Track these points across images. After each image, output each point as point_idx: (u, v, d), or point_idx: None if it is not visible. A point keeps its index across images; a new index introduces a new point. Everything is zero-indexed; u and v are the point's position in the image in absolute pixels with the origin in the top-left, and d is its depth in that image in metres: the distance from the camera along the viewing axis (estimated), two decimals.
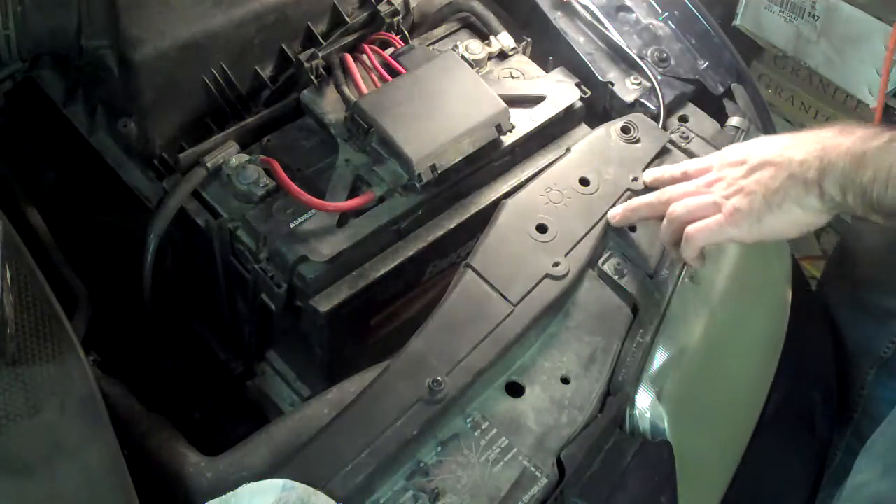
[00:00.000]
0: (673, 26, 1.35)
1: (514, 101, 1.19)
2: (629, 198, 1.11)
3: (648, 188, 1.10)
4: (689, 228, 0.99)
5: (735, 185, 0.97)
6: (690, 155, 1.19)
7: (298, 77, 1.20)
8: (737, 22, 2.05)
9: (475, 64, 1.24)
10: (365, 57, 1.22)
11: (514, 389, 0.96)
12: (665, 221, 1.02)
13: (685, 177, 1.05)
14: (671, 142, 1.19)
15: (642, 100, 1.26)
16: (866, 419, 1.37)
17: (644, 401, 0.99)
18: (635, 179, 1.12)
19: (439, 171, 1.09)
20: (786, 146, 0.95)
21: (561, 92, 1.23)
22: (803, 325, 1.28)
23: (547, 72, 1.28)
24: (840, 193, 0.90)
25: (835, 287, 1.43)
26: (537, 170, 1.15)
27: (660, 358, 1.02)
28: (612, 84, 1.27)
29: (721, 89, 1.31)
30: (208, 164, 1.10)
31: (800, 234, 0.96)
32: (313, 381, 1.22)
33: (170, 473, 0.89)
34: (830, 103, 2.17)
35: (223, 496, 0.82)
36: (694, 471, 1.00)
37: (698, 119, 1.27)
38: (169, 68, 1.11)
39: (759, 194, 0.95)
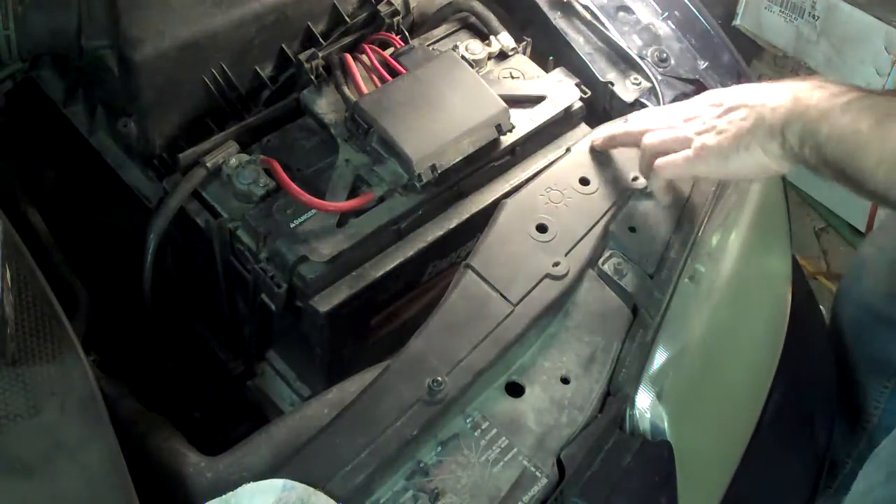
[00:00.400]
0: (673, 26, 1.35)
1: (514, 101, 1.19)
2: (629, 198, 1.11)
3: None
4: (659, 161, 1.04)
5: (708, 124, 1.01)
6: None
7: (298, 77, 1.20)
8: (737, 22, 2.05)
9: (475, 64, 1.24)
10: (365, 57, 1.22)
11: (514, 389, 0.96)
12: (640, 151, 1.08)
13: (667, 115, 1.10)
14: None
15: (642, 100, 1.26)
16: (881, 431, 1.37)
17: (644, 401, 0.99)
18: (635, 179, 1.12)
19: (439, 171, 1.09)
20: (763, 92, 0.98)
21: (561, 92, 1.23)
22: (803, 325, 1.28)
23: (547, 72, 1.28)
24: (798, 144, 0.93)
25: (852, 299, 1.43)
26: (537, 170, 1.15)
27: (660, 358, 1.02)
28: (612, 84, 1.27)
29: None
30: (208, 164, 1.10)
31: (763, 176, 1.03)
32: (313, 381, 1.22)
33: (170, 473, 0.89)
34: None
35: (223, 496, 0.82)
36: (694, 471, 1.00)
37: None
38: (169, 68, 1.11)
39: (729, 133, 0.98)
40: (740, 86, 1.04)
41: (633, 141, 1.10)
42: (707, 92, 1.09)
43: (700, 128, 1.02)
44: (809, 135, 0.92)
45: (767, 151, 0.96)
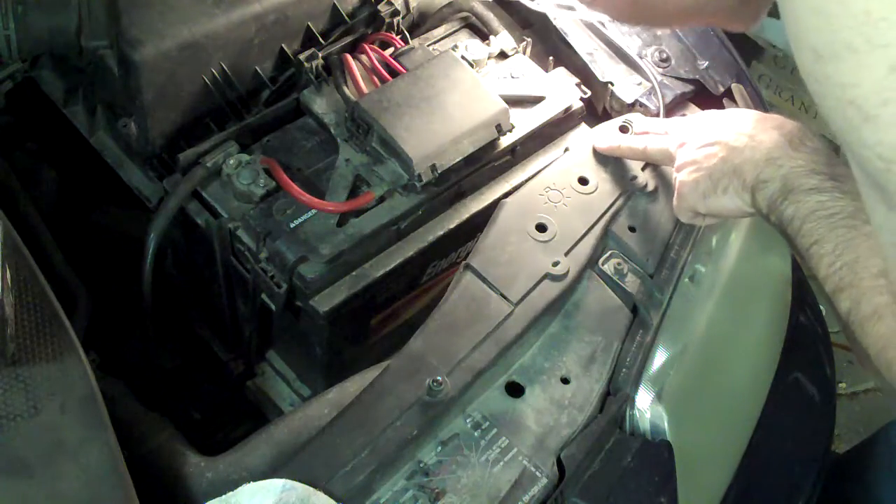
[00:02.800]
0: None
1: (514, 101, 1.19)
2: (629, 198, 1.11)
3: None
4: None
5: (690, 156, 1.03)
6: None
7: (298, 77, 1.20)
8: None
9: (475, 64, 1.24)
10: (365, 57, 1.22)
11: (514, 389, 0.96)
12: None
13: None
14: None
15: (642, 100, 1.26)
16: None
17: (644, 401, 0.99)
18: (634, 178, 1.12)
19: (439, 171, 1.09)
20: (743, 133, 0.98)
21: (561, 92, 1.23)
22: (803, 325, 1.28)
23: (547, 72, 1.28)
24: (766, 210, 0.94)
25: None
26: (537, 170, 1.15)
27: (660, 358, 1.02)
28: (612, 84, 1.27)
29: (721, 89, 1.31)
30: (208, 164, 1.10)
31: (742, 217, 1.03)
32: (313, 381, 1.22)
33: (170, 473, 0.89)
34: None
35: (223, 496, 0.82)
36: (694, 471, 1.00)
37: None
38: (169, 68, 1.11)
39: (706, 174, 1.00)
40: (733, 115, 1.04)
41: (634, 156, 1.13)
42: (705, 113, 1.09)
43: (682, 160, 1.04)
44: (775, 207, 0.92)
45: (742, 200, 0.97)
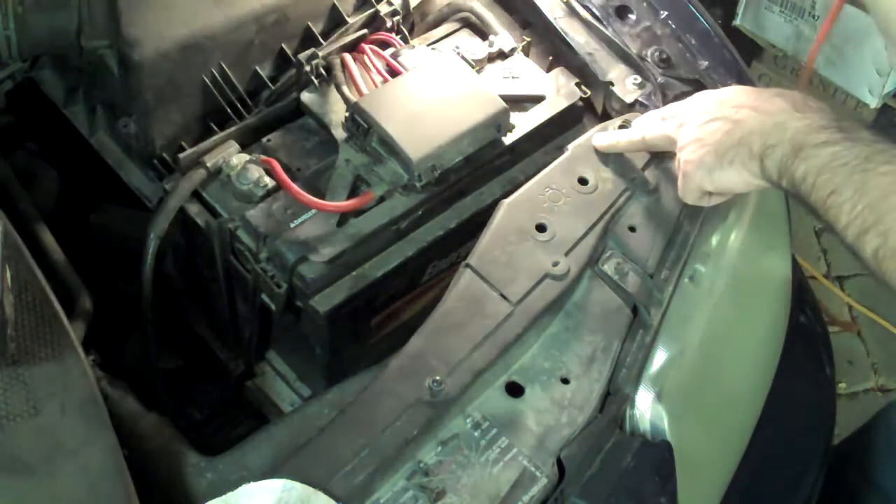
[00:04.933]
0: (673, 26, 1.35)
1: (514, 101, 1.19)
2: (629, 198, 1.11)
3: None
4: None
5: (693, 135, 1.02)
6: None
7: (298, 77, 1.20)
8: (737, 22, 2.05)
9: (475, 64, 1.24)
10: (365, 57, 1.22)
11: (514, 389, 0.96)
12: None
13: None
14: None
15: (642, 100, 1.26)
16: None
17: (644, 401, 0.99)
18: (634, 178, 1.12)
19: (439, 171, 1.09)
20: (744, 105, 0.98)
21: (561, 92, 1.23)
22: (803, 325, 1.28)
23: (547, 72, 1.28)
24: (777, 175, 0.93)
25: None
26: (537, 170, 1.15)
27: (660, 358, 1.02)
28: (612, 84, 1.27)
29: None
30: (208, 164, 1.10)
31: (749, 190, 1.02)
32: (313, 381, 1.22)
33: (170, 473, 0.89)
34: (830, 103, 2.17)
35: (223, 496, 0.82)
36: (694, 471, 1.00)
37: None
38: (169, 68, 1.11)
39: (711, 149, 0.99)
40: (730, 91, 1.04)
41: (635, 148, 1.13)
42: (701, 93, 1.09)
43: (685, 139, 1.03)
44: (785, 170, 0.92)
45: (751, 171, 0.96)
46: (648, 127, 1.12)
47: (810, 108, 0.94)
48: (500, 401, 0.95)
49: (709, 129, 1.00)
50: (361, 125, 1.11)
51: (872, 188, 0.84)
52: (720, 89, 1.08)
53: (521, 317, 0.97)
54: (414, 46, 1.26)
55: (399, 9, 1.28)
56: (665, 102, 1.25)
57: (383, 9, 1.27)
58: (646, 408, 0.99)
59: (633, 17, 1.34)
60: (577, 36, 1.31)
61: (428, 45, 1.28)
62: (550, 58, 1.31)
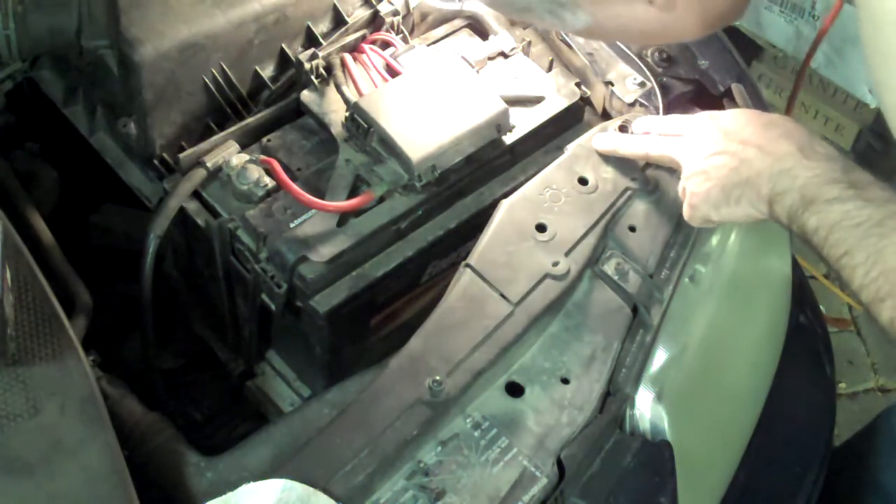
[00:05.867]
0: None
1: (514, 101, 1.19)
2: (629, 198, 1.11)
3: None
4: None
5: (699, 166, 1.01)
6: None
7: (298, 77, 1.20)
8: (737, 22, 2.04)
9: (475, 64, 1.24)
10: (365, 57, 1.22)
11: (514, 389, 0.96)
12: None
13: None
14: None
15: (642, 100, 1.26)
16: None
17: (644, 401, 0.99)
18: (634, 178, 1.12)
19: (439, 171, 1.09)
20: (749, 142, 0.97)
21: (561, 92, 1.23)
22: (803, 325, 1.28)
23: (547, 72, 1.28)
24: (787, 221, 0.93)
25: None
26: (537, 170, 1.15)
27: (660, 358, 1.02)
28: (612, 84, 1.27)
29: (721, 89, 1.31)
30: (208, 164, 1.10)
31: (756, 220, 1.00)
32: (313, 381, 1.22)
33: (170, 473, 0.89)
34: (830, 103, 2.17)
35: (223, 496, 0.82)
36: (694, 471, 1.00)
37: None
38: (169, 68, 1.11)
39: (717, 185, 0.98)
40: (734, 120, 1.02)
41: (637, 158, 1.13)
42: (704, 117, 1.07)
43: (690, 170, 1.02)
44: (796, 217, 0.91)
45: (757, 210, 0.96)
46: (653, 145, 1.11)
47: (818, 154, 0.92)
48: (500, 401, 0.95)
49: (714, 164, 0.99)
50: (361, 125, 1.11)
51: (887, 256, 0.83)
52: (722, 115, 1.05)
53: (521, 317, 0.97)
54: (414, 46, 1.26)
55: (399, 9, 1.28)
56: (665, 102, 1.25)
57: (383, 9, 1.27)
58: (646, 408, 0.99)
59: None
60: (577, 36, 1.31)
61: (428, 45, 1.28)
62: (550, 58, 1.31)
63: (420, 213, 1.11)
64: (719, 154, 0.99)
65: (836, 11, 1.30)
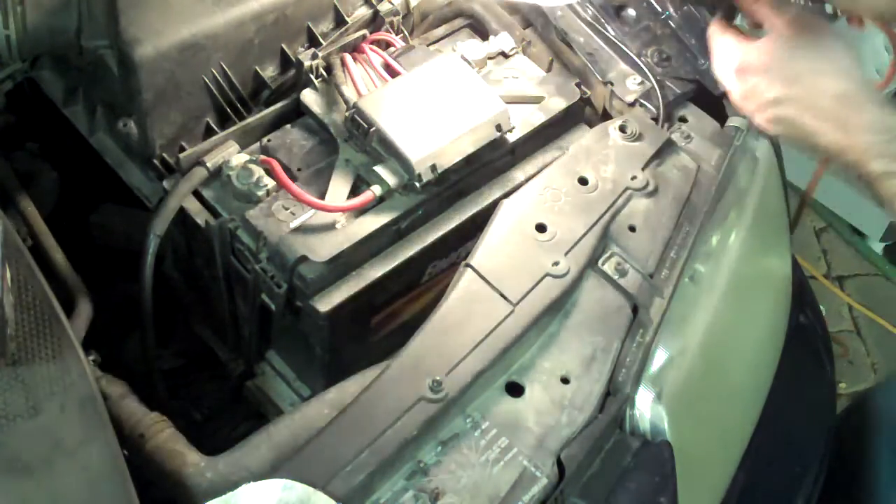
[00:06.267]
0: (673, 26, 1.35)
1: (514, 101, 1.19)
2: (629, 198, 1.11)
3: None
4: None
5: (764, 111, 1.01)
6: (690, 154, 1.19)
7: (298, 77, 1.20)
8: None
9: (475, 64, 1.24)
10: (365, 57, 1.22)
11: (514, 389, 0.96)
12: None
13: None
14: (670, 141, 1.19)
15: (642, 100, 1.26)
16: None
17: (644, 401, 0.99)
18: (634, 178, 1.12)
19: (439, 171, 1.09)
20: (810, 96, 0.97)
21: (561, 92, 1.23)
22: (802, 325, 1.28)
23: (547, 72, 1.28)
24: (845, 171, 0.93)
25: None
26: (537, 170, 1.15)
27: (660, 358, 1.02)
28: (612, 84, 1.27)
29: (721, 89, 1.31)
30: (208, 164, 1.10)
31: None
32: (313, 381, 1.22)
33: (170, 473, 0.89)
34: None
35: (223, 496, 0.82)
36: (694, 471, 1.00)
37: (698, 119, 1.27)
38: (169, 68, 1.11)
39: (780, 126, 0.99)
40: (795, 63, 1.01)
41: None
42: (763, 46, 1.07)
43: (758, 101, 1.02)
44: (854, 170, 0.92)
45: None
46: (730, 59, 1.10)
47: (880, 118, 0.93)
48: (500, 401, 0.95)
49: (775, 113, 1.00)
50: (361, 125, 1.11)
51: None
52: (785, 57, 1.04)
53: (521, 317, 0.97)
54: (414, 46, 1.26)
55: (399, 9, 1.28)
56: (665, 102, 1.25)
57: (383, 9, 1.27)
58: (646, 408, 0.99)
59: (633, 16, 1.34)
60: (577, 36, 1.31)
61: (428, 45, 1.28)
62: (550, 58, 1.31)
63: (420, 213, 1.11)
64: (785, 102, 0.99)
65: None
